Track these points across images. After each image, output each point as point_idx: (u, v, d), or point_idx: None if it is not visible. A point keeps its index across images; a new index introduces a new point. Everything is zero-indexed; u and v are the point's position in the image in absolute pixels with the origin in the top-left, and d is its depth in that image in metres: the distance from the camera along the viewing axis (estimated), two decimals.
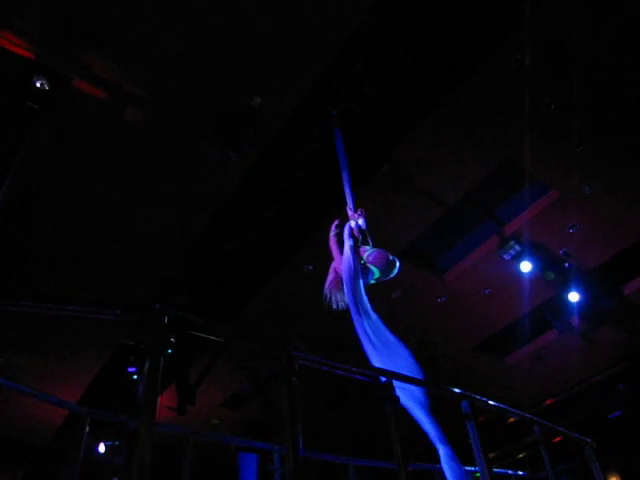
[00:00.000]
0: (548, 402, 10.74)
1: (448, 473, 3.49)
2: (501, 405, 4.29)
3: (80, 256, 7.35)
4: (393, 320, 9.10)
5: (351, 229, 4.39)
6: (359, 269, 4.14)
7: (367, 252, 4.33)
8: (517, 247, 7.48)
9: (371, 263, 4.26)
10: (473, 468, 3.69)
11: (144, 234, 7.15)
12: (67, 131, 5.81)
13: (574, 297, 8.10)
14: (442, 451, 3.54)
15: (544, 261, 7.84)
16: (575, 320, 8.65)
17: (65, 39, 5.14)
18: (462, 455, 4.08)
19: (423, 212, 7.32)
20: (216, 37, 5.32)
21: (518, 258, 7.63)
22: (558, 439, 8.35)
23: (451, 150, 6.61)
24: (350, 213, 4.74)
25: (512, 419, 10.11)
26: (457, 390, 3.79)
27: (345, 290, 4.14)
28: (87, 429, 4.13)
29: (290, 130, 6.17)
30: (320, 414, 10.29)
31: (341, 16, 5.20)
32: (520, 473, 7.07)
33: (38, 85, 4.78)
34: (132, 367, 8.61)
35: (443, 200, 7.20)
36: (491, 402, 4.05)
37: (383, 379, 3.35)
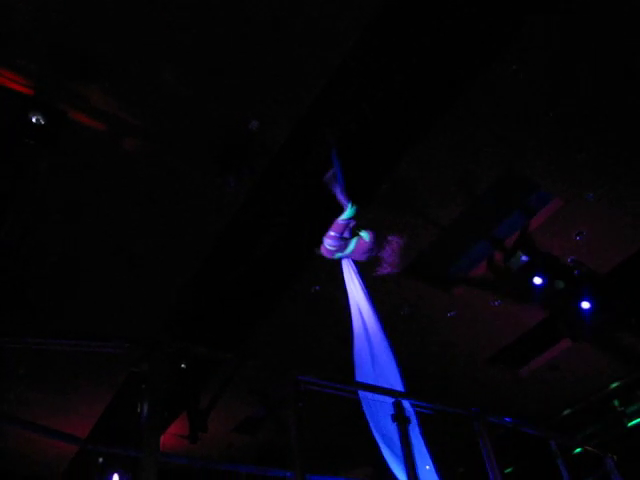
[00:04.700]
0: (565, 413, 10.55)
1: None
2: (516, 421, 4.22)
3: (83, 288, 7.34)
4: (403, 337, 9.07)
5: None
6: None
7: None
8: (524, 257, 7.40)
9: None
10: None
11: (147, 263, 7.13)
12: (64, 163, 5.84)
13: (586, 305, 8.00)
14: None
15: (553, 270, 7.75)
16: (587, 328, 8.53)
17: (63, 74, 5.19)
18: (478, 473, 4.00)
19: (427, 227, 7.27)
20: (211, 62, 5.36)
21: (526, 268, 7.55)
22: (577, 451, 8.22)
23: (453, 164, 6.59)
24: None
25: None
26: (471, 408, 3.73)
27: None
28: (100, 460, 4.11)
29: (289, 151, 6.18)
30: (331, 435, 10.17)
31: (336, 35, 5.23)
32: None
33: (34, 120, 4.80)
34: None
35: (446, 214, 7.16)
36: (505, 419, 3.99)
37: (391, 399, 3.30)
